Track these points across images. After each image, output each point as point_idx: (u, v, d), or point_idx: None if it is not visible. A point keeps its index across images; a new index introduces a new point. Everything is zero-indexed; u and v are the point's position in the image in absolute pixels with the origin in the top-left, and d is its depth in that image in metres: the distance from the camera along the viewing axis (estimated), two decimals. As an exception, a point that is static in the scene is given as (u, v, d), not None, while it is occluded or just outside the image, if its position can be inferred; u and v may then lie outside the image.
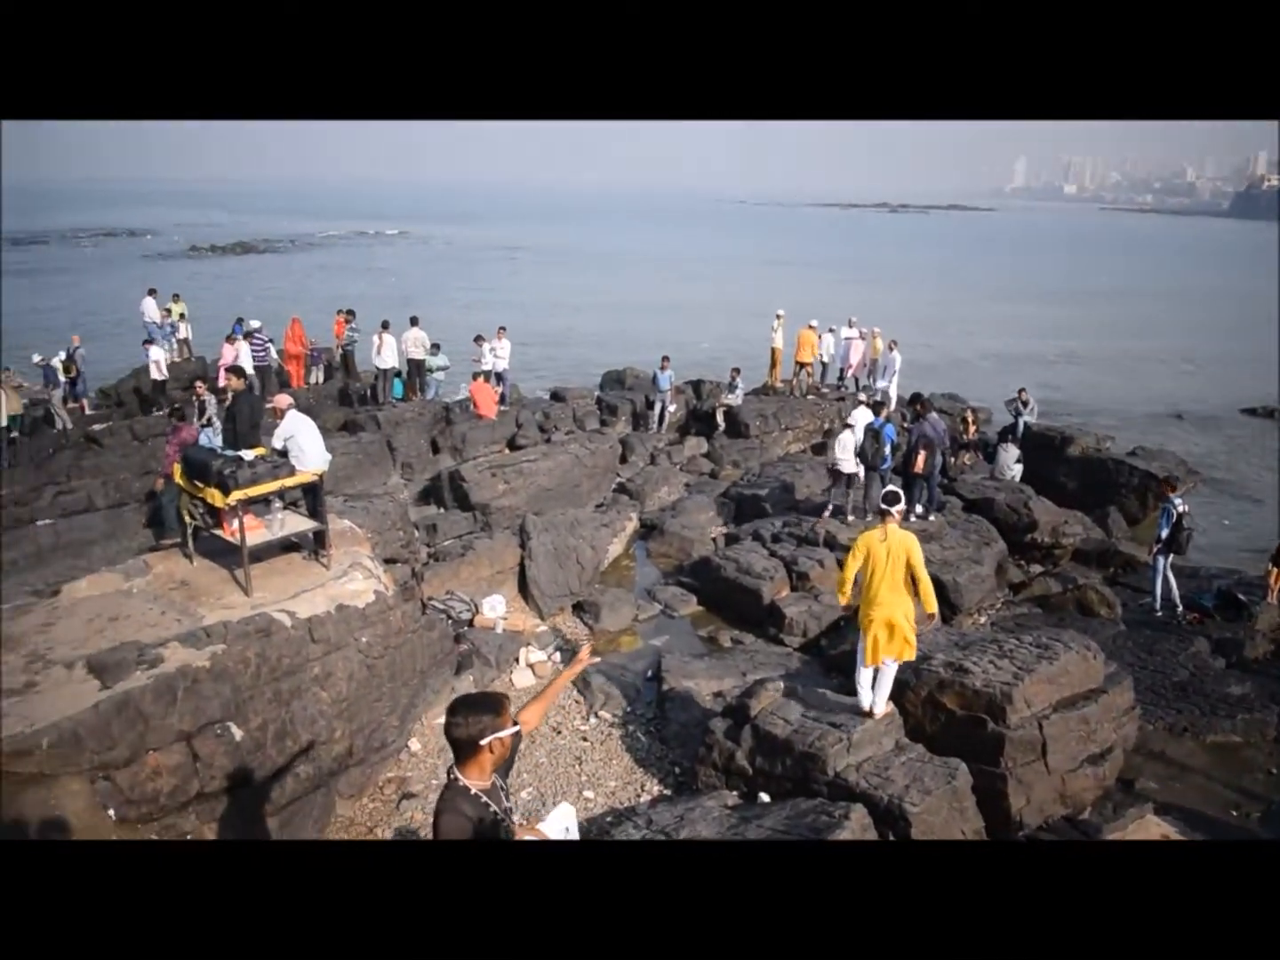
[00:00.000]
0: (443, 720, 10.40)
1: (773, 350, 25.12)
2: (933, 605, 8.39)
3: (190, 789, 7.44)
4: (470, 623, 12.50)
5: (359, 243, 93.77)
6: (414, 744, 10.08)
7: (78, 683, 7.82)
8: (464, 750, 3.66)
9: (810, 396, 23.95)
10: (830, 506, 15.30)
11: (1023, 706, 8.51)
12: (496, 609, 12.71)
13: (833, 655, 11.83)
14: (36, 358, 21.31)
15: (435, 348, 22.37)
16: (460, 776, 3.69)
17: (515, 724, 3.71)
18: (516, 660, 11.91)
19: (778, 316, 24.65)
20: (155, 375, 21.48)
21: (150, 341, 21.85)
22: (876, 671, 8.64)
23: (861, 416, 15.20)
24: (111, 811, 6.96)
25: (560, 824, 3.94)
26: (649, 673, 11.83)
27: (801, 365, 24.22)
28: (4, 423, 18.15)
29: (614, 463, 19.45)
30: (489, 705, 3.67)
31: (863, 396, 21.06)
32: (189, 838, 7.39)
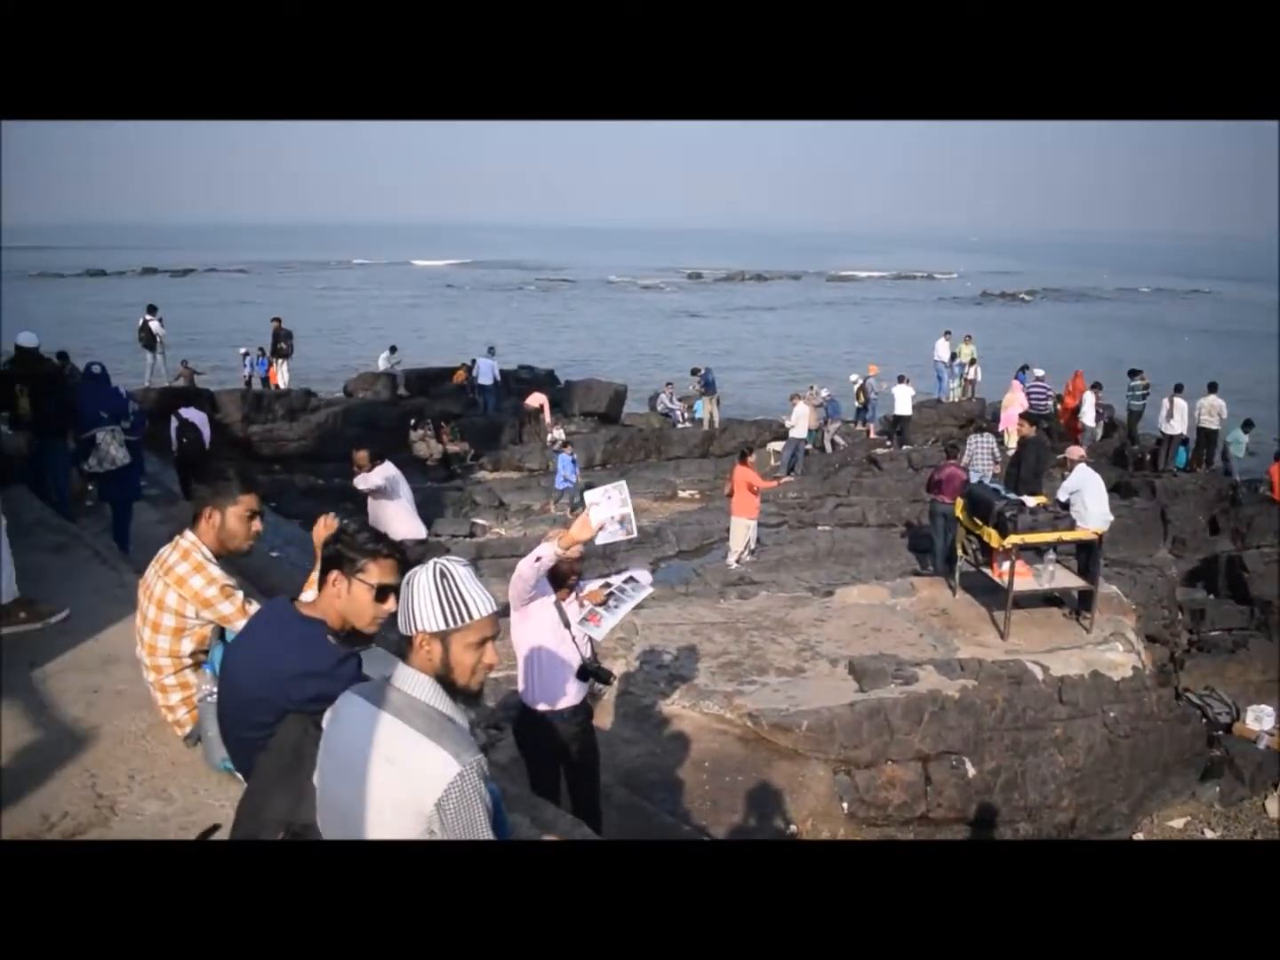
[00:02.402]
0: (1178, 823, 9.49)
1: None
2: None
3: (917, 808, 7.71)
4: (1228, 728, 11.13)
5: (1142, 300, 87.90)
6: (1139, 838, 9.28)
7: (838, 679, 8.59)
8: None
9: None
10: None
11: None
12: (1263, 721, 11.12)
13: None
14: (822, 393, 23.77)
15: (1248, 424, 20.22)
16: None
17: None
18: (1275, 785, 10.31)
19: None
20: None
21: (904, 379, 23.07)
22: None
23: None
24: (845, 805, 7.46)
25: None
26: None
27: None
28: (804, 435, 20.62)
29: None
30: None
31: None
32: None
